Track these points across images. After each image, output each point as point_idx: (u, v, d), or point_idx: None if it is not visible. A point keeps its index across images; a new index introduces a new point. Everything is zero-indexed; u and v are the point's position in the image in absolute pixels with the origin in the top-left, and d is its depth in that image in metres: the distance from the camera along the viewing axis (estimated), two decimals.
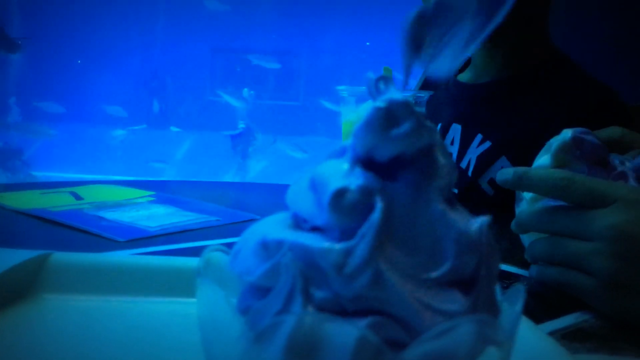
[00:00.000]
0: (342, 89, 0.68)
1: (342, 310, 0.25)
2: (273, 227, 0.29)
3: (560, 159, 0.52)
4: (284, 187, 0.31)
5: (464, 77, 0.99)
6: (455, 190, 0.88)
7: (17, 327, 0.39)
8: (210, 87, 4.88)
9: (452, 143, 0.92)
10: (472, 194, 0.80)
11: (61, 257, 0.46)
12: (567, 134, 0.52)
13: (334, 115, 0.73)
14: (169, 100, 4.81)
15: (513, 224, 0.54)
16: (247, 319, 0.27)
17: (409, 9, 0.32)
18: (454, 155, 0.91)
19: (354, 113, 0.70)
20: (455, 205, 0.29)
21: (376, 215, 0.26)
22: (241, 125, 4.00)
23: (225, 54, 4.85)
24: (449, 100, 0.98)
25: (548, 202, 0.52)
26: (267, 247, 0.28)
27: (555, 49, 0.93)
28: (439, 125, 0.97)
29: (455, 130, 0.93)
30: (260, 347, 0.25)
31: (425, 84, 1.05)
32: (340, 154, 0.31)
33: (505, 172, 0.52)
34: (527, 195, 0.55)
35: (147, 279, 0.45)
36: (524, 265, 0.55)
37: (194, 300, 0.30)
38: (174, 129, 4.62)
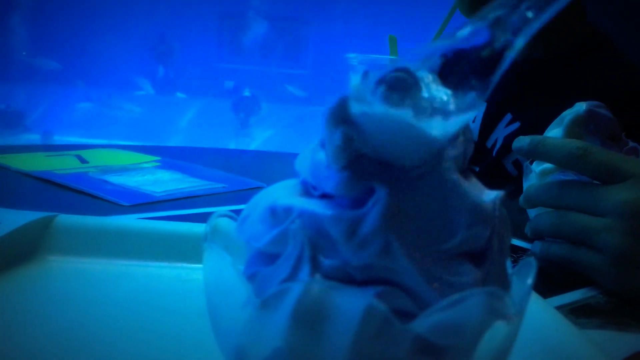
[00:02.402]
0: (352, 57, 0.66)
1: (350, 279, 0.25)
2: (282, 193, 0.28)
3: (573, 132, 0.51)
4: (290, 156, 0.31)
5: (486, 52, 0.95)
6: (477, 169, 0.86)
7: (22, 288, 0.39)
8: (217, 53, 4.83)
9: (473, 121, 0.88)
10: (495, 174, 0.77)
11: (66, 219, 0.45)
12: (581, 106, 0.51)
13: (343, 84, 0.71)
14: (175, 66, 4.76)
15: (521, 199, 0.53)
16: (253, 286, 0.27)
17: None
18: (475, 134, 0.88)
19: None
20: (469, 176, 0.29)
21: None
22: (246, 93, 3.97)
23: (233, 20, 4.79)
24: (475, 76, 0.93)
25: (557, 176, 0.51)
26: (276, 214, 0.27)
27: (593, 29, 0.87)
28: None
29: (479, 108, 0.90)
30: (267, 313, 0.24)
31: (444, 63, 1.00)
32: None
33: (521, 140, 0.51)
34: (536, 169, 0.55)
35: (152, 243, 0.44)
36: (532, 240, 0.55)
37: (199, 265, 0.29)
38: (180, 94, 4.59)
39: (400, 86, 0.27)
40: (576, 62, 0.82)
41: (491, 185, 0.28)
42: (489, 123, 0.86)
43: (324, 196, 0.27)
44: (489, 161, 0.84)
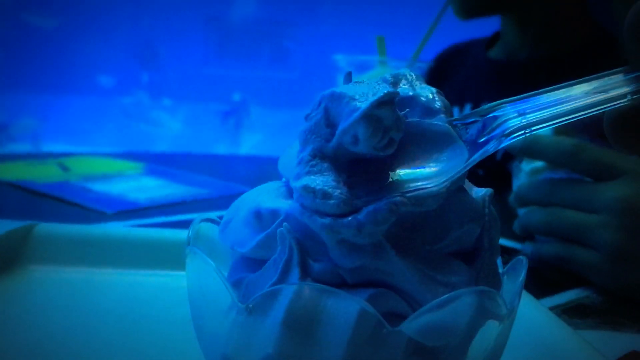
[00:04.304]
0: (340, 58, 0.66)
1: (341, 282, 0.24)
2: (266, 196, 0.28)
3: (563, 130, 0.50)
4: (277, 160, 0.30)
5: (493, 53, 0.92)
6: (481, 172, 0.85)
7: (2, 298, 0.37)
8: (204, 58, 4.81)
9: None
10: (499, 177, 0.75)
11: (47, 228, 0.44)
12: None
13: (331, 86, 0.70)
14: (161, 72, 4.73)
15: (512, 197, 0.53)
16: (239, 292, 0.26)
17: None
18: None
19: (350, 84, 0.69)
20: None
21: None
22: (236, 97, 3.95)
23: (219, 24, 4.77)
24: (477, 78, 0.92)
25: (548, 174, 0.51)
26: (261, 217, 0.26)
27: (598, 26, 0.85)
28: (468, 105, 0.90)
29: None
30: (255, 319, 0.23)
31: (448, 61, 0.98)
32: None
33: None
34: (525, 167, 0.54)
35: (135, 251, 0.43)
36: (523, 239, 0.54)
37: (183, 273, 0.28)
38: (166, 100, 4.56)
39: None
40: (582, 61, 0.81)
41: (496, 188, 0.28)
42: None
43: None
44: (493, 164, 0.83)
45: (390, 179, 0.25)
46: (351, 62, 0.67)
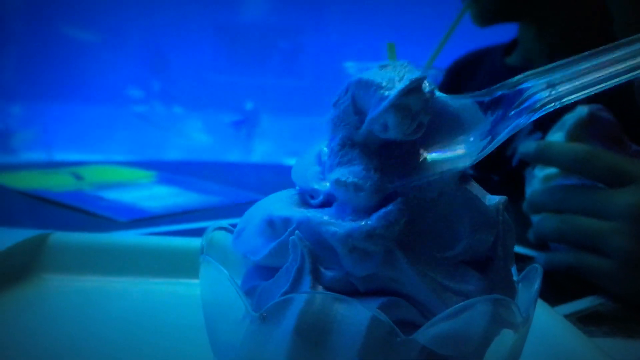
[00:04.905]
0: (350, 66, 0.66)
1: (353, 290, 0.24)
2: (279, 204, 0.28)
3: (576, 136, 0.50)
4: (288, 168, 0.30)
5: (511, 60, 0.91)
6: (496, 178, 0.84)
7: (17, 307, 0.38)
8: (214, 65, 4.83)
9: None
10: (514, 183, 0.75)
11: (61, 236, 0.44)
12: (582, 110, 0.51)
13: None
14: (172, 79, 4.76)
15: (525, 204, 0.52)
16: (252, 300, 0.26)
17: None
18: None
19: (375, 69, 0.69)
20: (469, 180, 0.28)
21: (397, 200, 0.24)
22: (248, 106, 3.95)
23: (229, 31, 4.79)
24: (495, 85, 0.90)
25: (561, 181, 0.51)
26: (274, 225, 0.26)
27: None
28: None
29: None
30: (267, 327, 0.24)
31: (465, 67, 0.97)
32: None
33: (527, 145, 0.50)
34: (538, 174, 0.54)
35: (149, 259, 0.43)
36: (537, 247, 0.54)
37: (196, 281, 0.29)
38: (177, 108, 4.58)
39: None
40: None
41: (510, 195, 0.28)
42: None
43: (323, 205, 0.27)
44: (508, 170, 0.82)
45: (421, 159, 0.25)
46: (362, 69, 0.67)
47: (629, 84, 0.64)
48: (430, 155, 0.25)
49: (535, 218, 0.54)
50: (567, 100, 0.24)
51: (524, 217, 0.55)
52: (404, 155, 0.25)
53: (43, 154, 3.91)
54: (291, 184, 0.29)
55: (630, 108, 0.61)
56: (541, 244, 0.53)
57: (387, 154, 0.25)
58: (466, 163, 0.24)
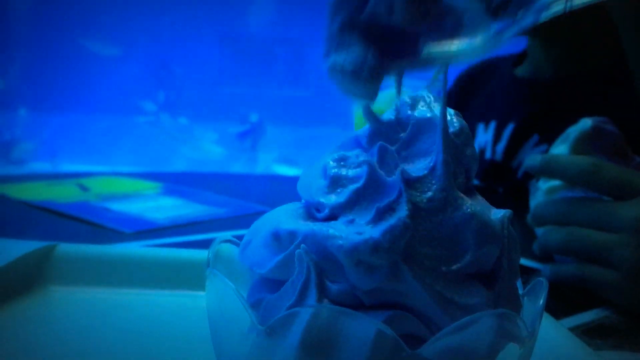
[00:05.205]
0: None
1: (359, 304, 0.24)
2: (285, 217, 0.28)
3: (580, 149, 0.50)
4: (293, 179, 0.30)
5: (521, 71, 0.91)
6: (500, 190, 0.84)
7: (23, 319, 0.38)
8: (219, 77, 4.85)
9: (499, 140, 0.85)
10: (519, 195, 0.74)
11: (67, 248, 0.45)
12: (586, 123, 0.51)
13: (346, 106, 0.71)
14: (177, 91, 4.78)
15: (529, 217, 0.52)
16: (258, 313, 0.26)
17: None
18: (500, 154, 0.85)
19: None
20: (474, 194, 0.28)
21: (403, 214, 0.24)
22: (254, 118, 3.96)
23: (234, 43, 4.81)
24: (504, 95, 0.92)
25: (565, 193, 0.51)
26: (279, 238, 0.26)
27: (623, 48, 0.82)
28: (493, 123, 0.89)
29: (507, 127, 0.86)
30: (273, 341, 0.24)
31: (475, 77, 0.97)
32: (352, 144, 0.30)
33: (533, 158, 0.50)
34: (542, 186, 0.54)
35: (155, 271, 0.44)
36: (541, 259, 0.54)
37: (202, 293, 0.29)
38: (182, 119, 4.60)
39: None
40: (607, 81, 0.79)
41: (515, 207, 0.28)
42: (515, 143, 0.83)
43: (329, 218, 0.27)
44: (513, 182, 0.82)
45: (425, 51, 0.24)
46: None
47: (635, 95, 0.63)
48: (434, 48, 0.24)
49: (539, 230, 0.54)
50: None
51: (528, 229, 0.55)
52: (405, 45, 0.24)
53: (48, 164, 3.93)
54: (295, 195, 0.30)
55: (633, 120, 0.61)
56: (546, 256, 0.53)
57: (390, 39, 0.24)
58: (472, 56, 0.23)
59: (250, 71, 4.66)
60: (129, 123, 4.49)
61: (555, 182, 0.52)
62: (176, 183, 0.88)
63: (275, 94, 4.60)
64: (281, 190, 0.91)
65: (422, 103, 0.29)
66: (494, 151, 0.86)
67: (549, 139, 0.74)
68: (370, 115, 0.29)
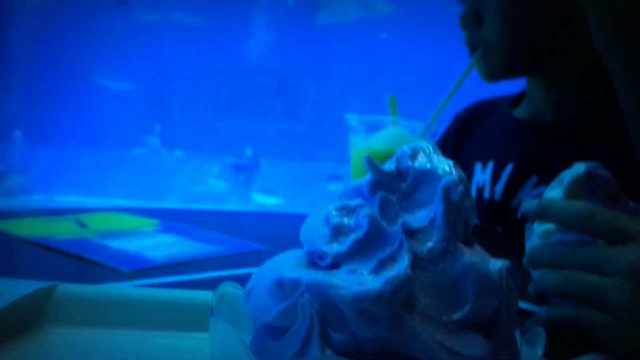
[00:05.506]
0: (351, 118, 0.67)
1: (361, 353, 0.25)
2: (288, 265, 0.28)
3: (574, 193, 0.51)
4: (289, 217, 0.31)
5: (519, 112, 0.92)
6: (500, 229, 0.84)
7: None
8: (216, 110, 4.89)
9: (498, 180, 0.86)
10: (518, 235, 0.75)
11: (67, 289, 0.45)
12: (580, 167, 0.52)
13: (341, 141, 0.72)
14: (174, 123, 4.81)
15: (525, 260, 0.53)
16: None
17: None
18: (499, 194, 0.86)
19: (363, 142, 0.69)
20: (473, 245, 0.29)
21: (404, 264, 0.25)
22: (249, 152, 3.98)
23: (231, 76, 4.87)
24: (502, 136, 0.92)
25: (560, 237, 0.51)
26: (283, 287, 0.27)
27: None
28: (491, 162, 0.89)
29: (506, 167, 0.87)
30: None
31: (474, 117, 0.98)
32: (354, 193, 0.30)
33: (529, 202, 0.51)
34: (538, 229, 0.55)
35: (155, 312, 0.44)
36: (537, 301, 0.54)
37: (202, 335, 0.29)
38: (178, 152, 4.61)
39: None
40: (605, 125, 0.80)
41: (514, 247, 0.28)
42: (514, 183, 0.84)
43: (331, 267, 0.27)
44: (513, 222, 0.82)
45: None
46: (362, 122, 0.68)
47: (630, 141, 0.64)
48: None
49: (535, 272, 0.54)
50: None
51: (526, 271, 0.55)
52: None
53: (42, 196, 3.92)
54: (292, 233, 0.30)
55: (628, 166, 0.62)
56: (541, 299, 0.53)
57: None
58: None
59: (246, 104, 4.70)
60: (125, 155, 4.50)
61: (550, 225, 0.53)
62: (173, 220, 0.89)
63: (271, 127, 4.63)
64: (277, 228, 0.92)
65: (421, 154, 0.30)
66: (493, 191, 0.87)
67: (547, 180, 0.74)
68: (372, 166, 0.29)
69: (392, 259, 0.26)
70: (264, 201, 3.87)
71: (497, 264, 0.27)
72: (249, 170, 3.99)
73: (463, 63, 0.77)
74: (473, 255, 0.27)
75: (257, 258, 0.67)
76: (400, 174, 0.30)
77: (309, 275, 0.26)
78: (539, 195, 0.77)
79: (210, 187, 4.03)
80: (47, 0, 4.37)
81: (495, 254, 0.29)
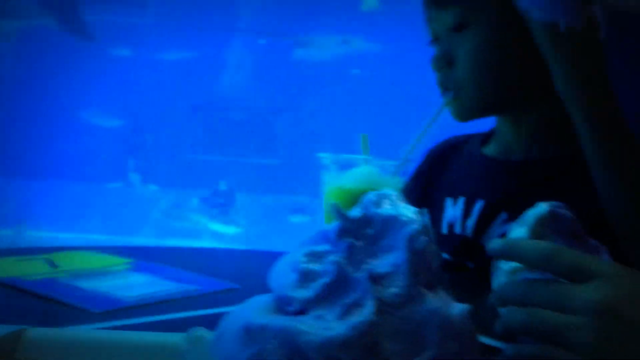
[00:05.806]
0: (325, 157, 0.68)
1: None
2: (256, 311, 0.29)
3: (538, 232, 0.52)
4: (262, 254, 0.32)
5: (489, 149, 0.91)
6: (471, 265, 0.85)
7: None
8: (191, 145, 4.89)
9: (469, 216, 0.87)
10: (488, 271, 0.76)
11: (35, 332, 0.44)
12: (543, 207, 0.53)
13: (315, 174, 0.72)
14: (148, 157, 4.79)
15: (491, 297, 0.54)
16: None
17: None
18: (471, 229, 0.87)
19: (336, 180, 0.70)
20: (436, 289, 0.30)
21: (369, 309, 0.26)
22: (222, 186, 3.98)
23: (205, 111, 4.89)
24: (472, 173, 0.93)
25: (526, 274, 0.52)
26: (251, 333, 0.28)
27: None
28: (462, 198, 0.90)
29: (476, 203, 0.87)
30: None
31: (444, 154, 0.99)
32: (320, 239, 0.31)
33: (494, 242, 0.52)
34: (504, 266, 0.56)
35: (125, 355, 0.44)
36: (504, 338, 0.55)
37: None
38: (151, 186, 4.58)
39: None
40: (573, 165, 0.80)
41: (485, 283, 0.29)
42: (484, 220, 0.84)
43: (299, 313, 0.28)
44: (484, 258, 0.82)
45: None
46: (336, 161, 0.69)
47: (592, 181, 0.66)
48: None
49: (502, 310, 0.55)
50: None
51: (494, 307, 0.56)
52: None
53: (13, 231, 3.84)
54: (263, 271, 0.31)
55: (593, 205, 0.64)
56: (508, 336, 0.54)
57: None
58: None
59: (220, 139, 4.71)
60: (99, 190, 4.46)
61: (517, 263, 0.54)
62: (146, 258, 0.88)
63: (245, 162, 4.64)
64: (248, 265, 0.92)
65: (387, 201, 0.31)
66: (464, 227, 0.88)
67: (517, 217, 0.75)
68: (339, 213, 0.30)
69: (358, 304, 0.27)
70: (222, 230, 3.86)
71: (458, 308, 0.28)
72: (222, 205, 3.98)
73: (436, 102, 0.80)
74: (435, 300, 0.28)
75: (230, 297, 0.67)
76: (366, 220, 0.31)
77: (276, 321, 0.27)
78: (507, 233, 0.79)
79: (194, 222, 4.02)
80: (10, 37, 4.36)
81: (467, 289, 0.30)
